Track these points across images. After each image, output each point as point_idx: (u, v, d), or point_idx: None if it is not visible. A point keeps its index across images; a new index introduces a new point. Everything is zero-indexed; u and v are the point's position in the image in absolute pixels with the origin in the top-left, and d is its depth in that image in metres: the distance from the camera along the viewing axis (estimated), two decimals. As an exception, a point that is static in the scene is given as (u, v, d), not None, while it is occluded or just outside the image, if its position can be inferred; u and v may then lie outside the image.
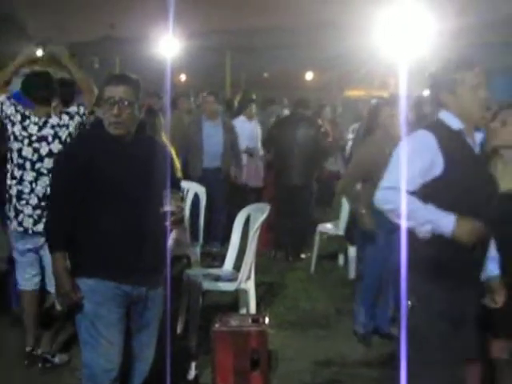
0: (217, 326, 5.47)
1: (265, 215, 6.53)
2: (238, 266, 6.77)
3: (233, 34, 24.45)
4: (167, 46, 18.02)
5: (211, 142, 9.68)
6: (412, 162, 3.67)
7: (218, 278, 6.65)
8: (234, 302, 7.09)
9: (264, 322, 5.58)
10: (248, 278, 6.63)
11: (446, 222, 3.61)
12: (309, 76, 33.14)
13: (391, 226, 4.25)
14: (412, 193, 3.66)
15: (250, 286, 6.67)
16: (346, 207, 8.69)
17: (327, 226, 9.21)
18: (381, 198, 3.76)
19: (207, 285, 6.50)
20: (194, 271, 6.94)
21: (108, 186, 4.11)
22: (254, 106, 11.75)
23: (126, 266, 4.13)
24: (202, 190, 8.14)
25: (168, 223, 4.10)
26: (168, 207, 4.07)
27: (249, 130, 11.11)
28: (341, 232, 8.84)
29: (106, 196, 4.11)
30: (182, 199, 4.24)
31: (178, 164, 7.54)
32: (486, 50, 21.38)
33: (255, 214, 6.80)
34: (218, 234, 9.47)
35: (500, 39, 21.58)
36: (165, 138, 7.25)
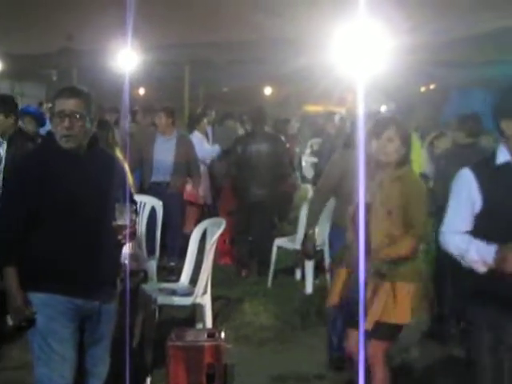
0: (172, 340, 5.45)
1: (221, 230, 6.53)
2: (194, 281, 6.74)
3: (192, 48, 24.41)
4: (125, 58, 17.94)
5: (162, 157, 9.63)
6: (457, 202, 4.06)
7: (173, 293, 6.63)
8: (190, 316, 7.06)
9: (220, 337, 5.58)
10: (204, 292, 6.61)
11: (487, 253, 3.83)
12: (267, 91, 33.25)
13: None
14: (467, 231, 3.99)
15: (207, 301, 6.65)
16: (303, 221, 8.71)
17: (284, 240, 9.21)
18: (443, 243, 4.13)
19: (163, 299, 6.48)
20: (150, 286, 6.89)
21: (59, 200, 4.07)
22: (206, 120, 11.79)
23: (79, 279, 4.10)
24: (158, 204, 8.10)
25: (121, 237, 4.08)
26: (121, 221, 4.04)
27: (205, 146, 11.17)
28: (298, 246, 8.84)
29: (58, 210, 4.07)
30: (135, 212, 4.21)
31: (130, 178, 7.51)
32: (441, 68, 21.70)
33: (211, 229, 6.79)
34: (172, 248, 9.41)
35: (455, 58, 21.86)
36: (119, 152, 7.19)
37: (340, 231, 5.60)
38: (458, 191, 4.06)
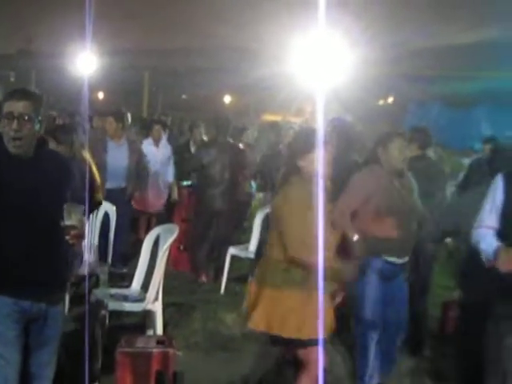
0: (121, 346, 5.42)
1: (174, 236, 6.51)
2: (146, 287, 6.71)
3: (152, 55, 24.38)
4: (84, 62, 17.85)
5: (115, 163, 9.56)
6: (486, 202, 4.61)
7: (125, 299, 6.59)
8: (141, 322, 7.02)
9: (170, 344, 5.55)
10: (156, 298, 6.58)
11: (490, 249, 4.36)
12: (227, 99, 33.33)
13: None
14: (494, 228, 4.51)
15: (158, 307, 6.62)
16: (257, 230, 8.73)
17: (238, 249, 9.21)
18: (472, 239, 4.63)
19: (113, 305, 6.43)
20: (101, 291, 6.85)
21: (4, 202, 4.01)
22: (159, 127, 11.69)
23: (26, 281, 4.05)
24: (112, 209, 8.05)
25: (69, 237, 4.02)
26: (69, 221, 3.98)
27: (156, 153, 11.09)
28: (251, 255, 8.86)
29: (2, 211, 4.02)
30: (84, 213, 4.14)
31: (98, 180, 7.44)
32: (400, 81, 21.92)
33: (164, 235, 6.77)
34: (123, 254, 9.32)
35: (413, 71, 22.12)
36: (87, 155, 7.07)
37: None
38: (490, 192, 4.60)
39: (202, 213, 9.73)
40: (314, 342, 4.83)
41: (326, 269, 4.59)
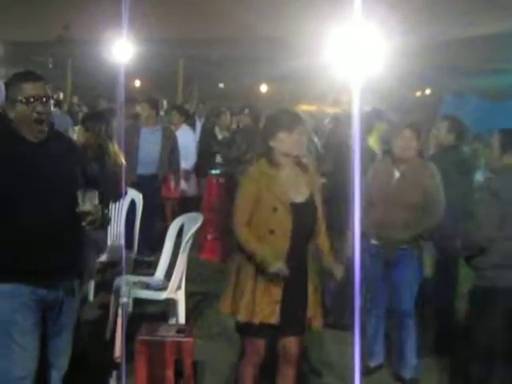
0: (141, 335, 5.41)
1: (198, 225, 6.49)
2: (170, 275, 6.70)
3: (188, 44, 24.43)
4: (121, 50, 17.87)
5: (148, 149, 9.55)
6: None
7: (147, 287, 6.59)
8: (163, 311, 7.03)
9: (190, 333, 5.54)
10: (178, 287, 6.58)
11: None
12: (263, 89, 33.29)
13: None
14: None
15: (180, 296, 6.61)
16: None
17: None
18: None
19: (136, 293, 6.44)
20: (125, 278, 6.85)
21: (17, 187, 3.98)
22: (176, 112, 11.55)
23: (41, 269, 4.04)
24: (138, 197, 8.05)
25: (85, 223, 4.02)
26: (84, 207, 3.97)
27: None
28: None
29: (16, 197, 3.98)
30: (99, 198, 4.07)
31: (121, 172, 7.44)
32: (437, 72, 21.69)
33: (188, 224, 6.75)
34: (150, 242, 9.30)
35: (450, 61, 21.87)
36: (115, 146, 7.06)
37: None
38: None
39: None
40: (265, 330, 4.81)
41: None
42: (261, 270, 4.68)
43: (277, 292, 4.71)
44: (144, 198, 8.19)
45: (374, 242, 6.03)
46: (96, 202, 4.00)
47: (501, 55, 20.62)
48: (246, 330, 4.91)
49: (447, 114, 17.99)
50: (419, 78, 22.73)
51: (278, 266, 4.58)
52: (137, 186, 8.80)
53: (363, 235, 5.89)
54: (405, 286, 6.06)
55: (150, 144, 9.58)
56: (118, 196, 6.32)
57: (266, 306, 4.71)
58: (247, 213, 4.73)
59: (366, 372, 6.16)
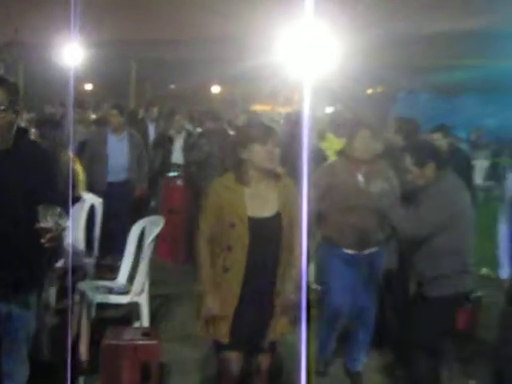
0: (107, 339, 5.40)
1: (159, 228, 6.49)
2: (132, 279, 6.69)
3: (139, 45, 24.26)
4: (72, 53, 17.72)
5: (116, 156, 9.53)
6: None
7: (110, 291, 6.58)
8: (127, 315, 7.01)
9: (156, 336, 5.54)
10: (142, 290, 6.57)
11: None
12: (215, 89, 33.33)
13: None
14: None
15: (144, 299, 6.60)
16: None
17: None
18: None
19: (99, 297, 6.41)
20: (87, 283, 6.82)
21: None
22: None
23: None
24: (98, 201, 8.01)
25: (44, 240, 3.85)
26: (44, 223, 3.81)
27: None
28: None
29: None
30: (61, 215, 3.94)
31: (81, 177, 7.41)
32: (389, 71, 21.89)
33: (150, 227, 6.74)
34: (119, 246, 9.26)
35: (403, 60, 22.11)
36: (70, 152, 7.01)
37: None
38: None
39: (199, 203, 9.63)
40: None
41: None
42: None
43: (229, 309, 4.67)
44: (116, 204, 8.17)
45: (344, 249, 5.99)
46: (57, 218, 3.84)
47: (453, 52, 20.91)
48: (221, 348, 4.88)
49: (400, 111, 18.27)
50: (370, 75, 22.90)
51: (208, 305, 4.65)
52: (107, 193, 8.79)
53: (328, 239, 6.01)
54: (369, 286, 6.13)
55: (118, 151, 9.54)
56: (75, 200, 6.28)
57: (220, 325, 4.70)
58: (209, 227, 4.71)
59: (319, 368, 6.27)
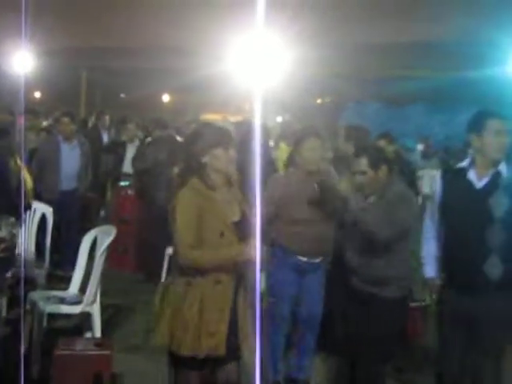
0: (59, 349, 5.38)
1: (111, 237, 6.48)
2: (84, 289, 6.67)
3: (90, 54, 24.15)
4: (22, 61, 17.56)
5: (68, 164, 9.51)
6: None
7: (62, 301, 6.54)
8: (79, 325, 6.98)
9: (108, 346, 5.54)
10: (93, 300, 6.55)
11: None
12: (165, 99, 33.33)
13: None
14: None
15: (96, 309, 6.58)
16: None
17: (177, 249, 9.16)
18: None
19: (51, 308, 6.38)
20: (38, 293, 6.78)
21: None
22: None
23: None
24: (49, 211, 7.97)
25: None
26: None
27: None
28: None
29: None
30: (14, 225, 3.92)
31: (29, 186, 7.35)
32: (338, 81, 22.12)
33: (102, 237, 6.73)
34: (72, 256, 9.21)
35: (350, 70, 22.36)
36: (18, 160, 6.96)
37: None
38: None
39: (148, 211, 9.63)
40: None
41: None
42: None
43: (223, 323, 4.49)
44: (67, 212, 8.14)
45: (299, 256, 6.02)
46: (11, 228, 3.83)
47: (401, 63, 21.21)
48: (184, 363, 4.67)
49: (349, 121, 18.48)
50: (320, 85, 23.10)
51: (245, 248, 4.35)
52: (59, 201, 8.76)
53: (282, 246, 6.05)
54: (318, 293, 6.19)
55: (69, 159, 9.53)
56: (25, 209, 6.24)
57: (212, 338, 4.49)
58: (192, 236, 4.43)
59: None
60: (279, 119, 20.50)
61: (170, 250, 9.04)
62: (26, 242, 7.74)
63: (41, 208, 7.98)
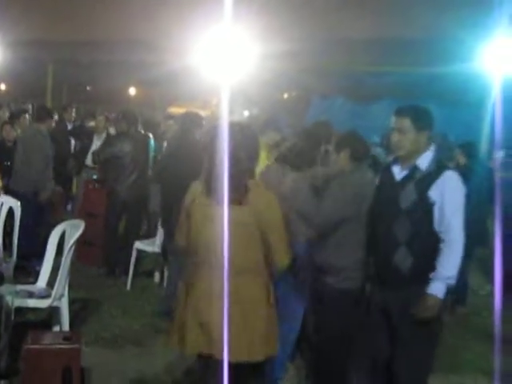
0: (27, 344, 5.40)
1: (80, 231, 6.50)
2: (52, 283, 6.69)
3: (56, 47, 23.98)
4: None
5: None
6: None
7: (30, 295, 6.55)
8: (47, 319, 7.00)
9: (77, 340, 5.55)
10: (62, 295, 6.57)
11: None
12: (132, 91, 33.15)
13: None
14: None
15: (64, 303, 6.61)
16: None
17: (144, 243, 9.21)
18: None
19: (19, 302, 6.38)
20: (6, 288, 6.77)
21: None
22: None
23: None
24: (16, 204, 7.95)
25: None
26: None
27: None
28: (157, 249, 8.91)
29: None
30: None
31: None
32: (304, 75, 22.16)
33: (70, 230, 6.74)
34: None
35: (316, 65, 22.44)
36: None
37: None
38: None
39: (112, 206, 9.66)
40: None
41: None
42: None
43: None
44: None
45: None
46: None
47: (367, 58, 21.32)
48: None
49: (314, 116, 18.58)
50: (286, 79, 23.15)
51: None
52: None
53: None
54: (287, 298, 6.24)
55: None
56: None
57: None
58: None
59: None
60: (246, 113, 20.49)
61: (138, 245, 9.11)
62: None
63: (8, 201, 7.96)
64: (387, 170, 4.97)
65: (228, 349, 4.14)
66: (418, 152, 4.77)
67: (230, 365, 4.16)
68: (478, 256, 8.95)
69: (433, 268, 4.59)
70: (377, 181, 5.15)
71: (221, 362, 4.15)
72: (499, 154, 10.11)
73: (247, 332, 4.32)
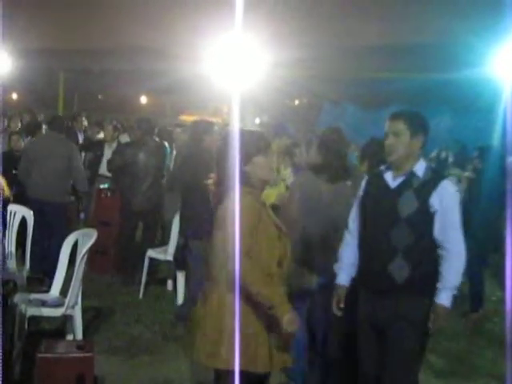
0: (41, 352, 5.42)
1: (92, 240, 6.52)
2: (65, 292, 6.71)
3: (68, 55, 24.10)
4: (-1, 62, 17.51)
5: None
6: None
7: (43, 304, 6.57)
8: (60, 328, 7.03)
9: (90, 348, 5.57)
10: (75, 303, 6.59)
11: None
12: (143, 100, 33.32)
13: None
14: None
15: (77, 312, 6.63)
16: (175, 232, 8.77)
17: (156, 251, 9.22)
18: None
19: (32, 310, 6.41)
20: (20, 296, 6.79)
21: None
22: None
23: None
24: (29, 214, 7.98)
25: None
26: None
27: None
28: (169, 257, 8.92)
29: None
30: None
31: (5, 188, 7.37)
32: (314, 82, 22.24)
33: (83, 239, 6.77)
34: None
35: (327, 72, 22.48)
36: None
37: None
38: None
39: (127, 214, 9.67)
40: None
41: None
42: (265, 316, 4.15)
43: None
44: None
45: None
46: None
47: (378, 65, 21.37)
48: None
49: (326, 122, 18.59)
50: (297, 86, 23.20)
51: (290, 315, 4.08)
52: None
53: None
54: None
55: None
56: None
57: (284, 352, 4.30)
58: (248, 244, 4.09)
59: None
60: (257, 121, 20.56)
61: (150, 253, 9.12)
62: (6, 245, 7.76)
63: (21, 211, 8.00)
64: (378, 177, 4.84)
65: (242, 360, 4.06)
66: (410, 158, 4.68)
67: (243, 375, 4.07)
68: (489, 262, 8.92)
69: (429, 277, 4.56)
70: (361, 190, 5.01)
71: (231, 373, 4.06)
72: (511, 159, 10.09)
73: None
